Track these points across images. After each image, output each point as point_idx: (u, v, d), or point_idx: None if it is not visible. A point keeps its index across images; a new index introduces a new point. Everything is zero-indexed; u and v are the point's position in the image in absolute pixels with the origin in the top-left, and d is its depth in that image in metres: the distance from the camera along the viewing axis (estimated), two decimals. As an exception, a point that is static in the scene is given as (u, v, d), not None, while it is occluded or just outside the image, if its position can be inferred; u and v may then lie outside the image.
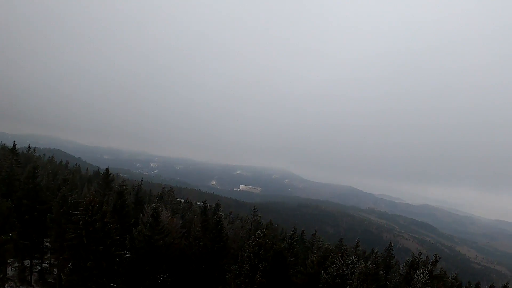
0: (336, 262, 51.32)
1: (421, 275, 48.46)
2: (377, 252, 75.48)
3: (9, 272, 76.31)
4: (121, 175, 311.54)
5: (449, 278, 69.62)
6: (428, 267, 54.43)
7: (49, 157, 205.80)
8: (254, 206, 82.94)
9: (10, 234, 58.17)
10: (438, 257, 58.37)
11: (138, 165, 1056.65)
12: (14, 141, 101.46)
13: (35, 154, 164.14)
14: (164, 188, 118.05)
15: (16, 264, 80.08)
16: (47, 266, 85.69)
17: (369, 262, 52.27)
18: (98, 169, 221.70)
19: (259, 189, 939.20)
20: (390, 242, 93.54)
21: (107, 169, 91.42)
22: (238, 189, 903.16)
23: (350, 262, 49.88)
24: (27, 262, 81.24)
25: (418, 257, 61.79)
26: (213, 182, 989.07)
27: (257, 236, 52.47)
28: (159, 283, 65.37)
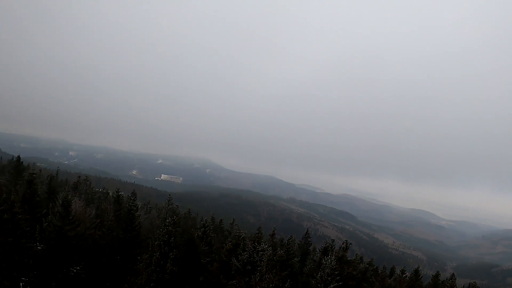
0: (247, 249, 52.67)
1: (329, 260, 50.67)
2: (290, 239, 77.84)
3: None
4: (38, 164, 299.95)
5: (364, 263, 72.85)
6: (339, 253, 56.99)
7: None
8: (169, 195, 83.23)
9: None
10: (348, 244, 61.28)
11: (56, 153, 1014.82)
12: None
13: None
14: (80, 177, 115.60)
15: None
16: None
17: (278, 249, 54.04)
18: (13, 158, 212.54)
19: (181, 178, 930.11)
20: (307, 230, 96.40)
21: (18, 156, 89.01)
22: (160, 179, 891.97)
23: (260, 249, 51.24)
24: None
25: (331, 243, 64.31)
26: (134, 172, 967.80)
27: (167, 224, 52.74)
28: (72, 276, 64.37)
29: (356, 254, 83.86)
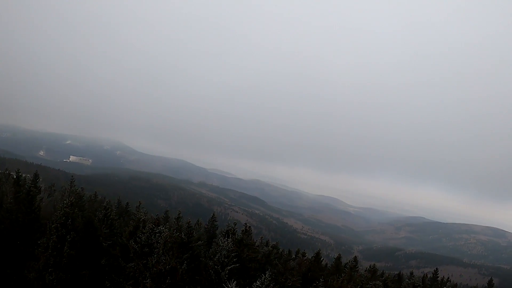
0: (145, 231, 53.61)
1: (225, 242, 52.79)
2: (190, 222, 79.32)
3: None
4: None
5: (269, 247, 75.70)
6: (238, 236, 59.30)
7: None
8: (72, 176, 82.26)
9: None
10: (248, 227, 63.76)
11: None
12: None
13: None
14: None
15: None
16: None
17: (175, 231, 55.15)
18: None
19: (90, 160, 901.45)
20: (213, 214, 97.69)
21: None
22: (68, 160, 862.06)
23: (157, 231, 52.25)
24: None
25: (233, 226, 66.40)
26: (42, 152, 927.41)
27: (64, 205, 52.43)
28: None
29: (261, 237, 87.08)
